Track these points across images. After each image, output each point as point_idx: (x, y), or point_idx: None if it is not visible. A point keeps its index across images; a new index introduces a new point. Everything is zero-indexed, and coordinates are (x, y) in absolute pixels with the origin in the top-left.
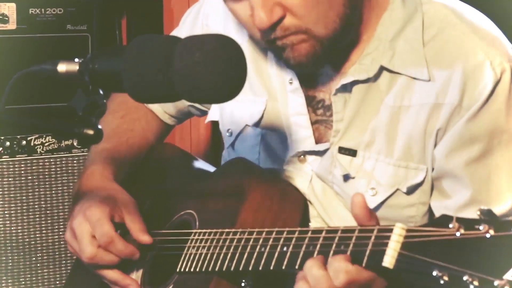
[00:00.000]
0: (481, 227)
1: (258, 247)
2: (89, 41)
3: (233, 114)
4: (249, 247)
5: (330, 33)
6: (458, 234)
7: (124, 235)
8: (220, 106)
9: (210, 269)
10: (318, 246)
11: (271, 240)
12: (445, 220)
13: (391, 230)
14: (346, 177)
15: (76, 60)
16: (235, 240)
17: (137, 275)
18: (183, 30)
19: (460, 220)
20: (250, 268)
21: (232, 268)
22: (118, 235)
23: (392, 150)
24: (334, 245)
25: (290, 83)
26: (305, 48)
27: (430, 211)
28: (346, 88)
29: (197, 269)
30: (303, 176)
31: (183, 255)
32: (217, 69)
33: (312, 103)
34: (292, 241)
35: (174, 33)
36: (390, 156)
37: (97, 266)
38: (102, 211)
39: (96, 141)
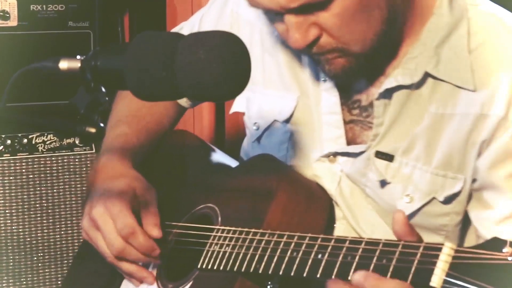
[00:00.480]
0: None
1: (290, 251)
2: (91, 38)
3: (261, 108)
4: (279, 250)
5: (367, 50)
6: (511, 259)
7: None
8: (247, 97)
9: (235, 269)
10: (357, 257)
11: (304, 245)
12: (497, 243)
13: (439, 249)
14: (383, 183)
15: (78, 57)
16: (264, 242)
17: (152, 267)
18: (210, 13)
19: None
20: (280, 273)
21: (260, 271)
22: (140, 228)
23: (431, 158)
24: (375, 258)
25: (324, 81)
26: (340, 63)
27: (463, 221)
28: (387, 92)
29: (221, 268)
30: (331, 177)
31: (205, 252)
32: (221, 66)
33: (348, 102)
34: (328, 249)
35: (201, 13)
36: (428, 163)
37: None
38: (123, 202)
39: (98, 139)
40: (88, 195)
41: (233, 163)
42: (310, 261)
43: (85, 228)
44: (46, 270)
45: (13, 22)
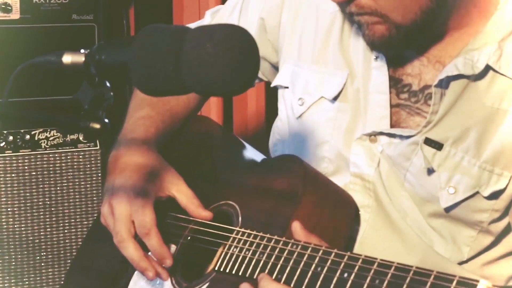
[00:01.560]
0: None
1: (314, 266)
2: (95, 31)
3: (308, 83)
4: (302, 263)
5: (408, 23)
6: None
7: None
8: (293, 71)
9: (255, 276)
10: (386, 282)
11: (330, 262)
12: None
13: (474, 286)
14: (430, 171)
15: (82, 51)
16: (287, 252)
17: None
18: None
19: None
20: (303, 287)
21: (282, 281)
22: (157, 230)
23: (480, 151)
24: (405, 286)
25: (376, 59)
26: (379, 30)
27: (498, 219)
28: (446, 80)
29: (239, 273)
30: (371, 157)
31: (223, 253)
32: (229, 61)
33: (397, 86)
34: (355, 269)
35: None
36: (477, 156)
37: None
38: (148, 195)
39: (102, 135)
40: (110, 176)
41: (258, 157)
42: (335, 279)
43: (104, 214)
44: (49, 270)
45: (15, 15)
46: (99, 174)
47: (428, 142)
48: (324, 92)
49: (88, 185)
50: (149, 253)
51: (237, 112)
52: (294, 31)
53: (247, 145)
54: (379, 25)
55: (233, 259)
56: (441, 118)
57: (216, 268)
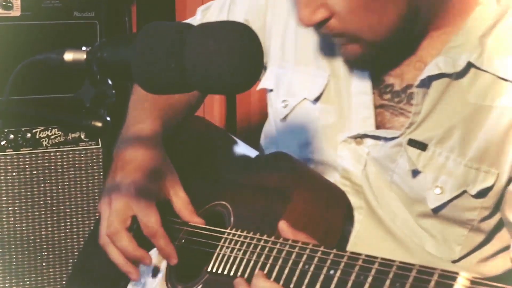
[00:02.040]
0: None
1: (302, 263)
2: (97, 28)
3: (291, 84)
4: (291, 261)
5: (382, 39)
6: None
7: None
8: (277, 74)
9: (246, 275)
10: (370, 278)
11: (317, 259)
12: None
13: (454, 279)
14: (415, 172)
15: (84, 48)
16: (276, 250)
17: (162, 266)
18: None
19: None
20: (291, 286)
21: (272, 279)
22: (163, 230)
23: (466, 150)
24: (388, 281)
25: None
26: (352, 49)
27: (489, 217)
28: (428, 80)
29: (231, 273)
30: (357, 159)
31: (216, 254)
32: (232, 58)
33: (380, 86)
34: (341, 266)
35: None
36: (462, 155)
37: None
38: (151, 195)
39: (104, 133)
40: (114, 172)
41: (251, 154)
42: (322, 276)
43: (101, 205)
44: (51, 270)
45: (16, 12)
46: (101, 173)
47: (412, 143)
48: (307, 94)
49: (89, 184)
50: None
51: (240, 108)
52: (277, 32)
53: (241, 143)
54: (351, 45)
55: (224, 260)
56: (425, 118)
57: (209, 270)
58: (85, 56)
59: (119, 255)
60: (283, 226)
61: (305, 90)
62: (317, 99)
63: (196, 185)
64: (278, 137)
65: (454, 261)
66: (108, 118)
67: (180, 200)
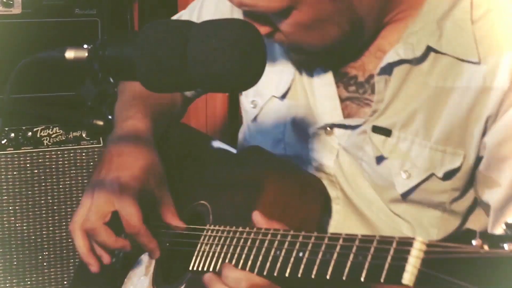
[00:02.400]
0: (505, 246)
1: (273, 250)
2: (98, 26)
3: (259, 84)
4: (263, 249)
5: (324, 50)
6: (482, 252)
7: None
8: None
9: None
10: (336, 254)
11: (287, 243)
12: (468, 235)
13: (411, 244)
14: (380, 159)
15: (85, 46)
16: (249, 241)
17: (148, 269)
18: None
19: (484, 236)
20: (265, 273)
21: (247, 269)
22: (145, 227)
23: (430, 133)
24: (352, 255)
25: None
26: (297, 56)
27: (460, 197)
28: (388, 67)
29: (210, 269)
30: (329, 150)
31: (196, 252)
32: (234, 56)
33: (343, 79)
34: (308, 247)
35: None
36: (427, 138)
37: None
38: (135, 195)
39: (106, 132)
40: (103, 170)
41: (228, 153)
42: (292, 259)
43: (85, 196)
44: (52, 270)
45: (16, 9)
46: None
47: (376, 129)
48: (274, 91)
49: None
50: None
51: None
52: None
53: (221, 144)
54: (296, 52)
55: (204, 257)
56: (388, 105)
57: (191, 268)
58: (86, 54)
59: (83, 245)
60: (256, 217)
61: (273, 87)
62: (284, 95)
63: (178, 188)
64: (251, 138)
65: None
66: (110, 117)
67: (164, 201)
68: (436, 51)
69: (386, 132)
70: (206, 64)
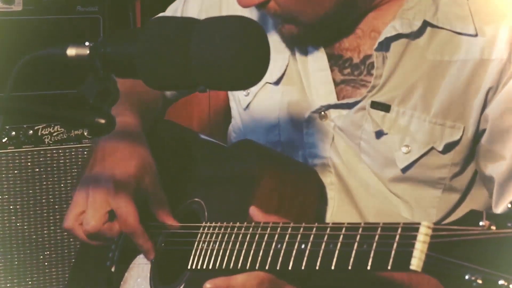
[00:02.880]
0: None
1: (274, 243)
2: (100, 23)
3: None
4: (264, 243)
5: (318, 21)
6: (489, 232)
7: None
8: None
9: (224, 266)
10: (339, 244)
11: (287, 236)
12: (474, 216)
13: (416, 229)
14: (379, 134)
15: (87, 43)
16: (248, 236)
17: (144, 271)
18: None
19: (491, 217)
20: (267, 267)
21: (247, 267)
22: (142, 228)
23: (429, 106)
24: (356, 244)
25: None
26: (290, 30)
27: (460, 173)
28: (386, 42)
29: (210, 267)
30: (324, 134)
31: (193, 251)
32: (238, 54)
33: (339, 62)
34: (311, 238)
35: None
36: (426, 112)
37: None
38: (130, 194)
39: (108, 131)
40: (95, 166)
41: (218, 148)
42: (294, 252)
43: (77, 200)
44: (53, 270)
45: (17, 6)
46: None
47: (375, 105)
48: (268, 77)
49: None
50: None
51: None
52: None
53: (211, 140)
54: (289, 25)
55: (202, 255)
56: (386, 80)
57: (189, 267)
58: (88, 52)
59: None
60: (253, 211)
61: (267, 74)
62: (278, 81)
63: (169, 185)
64: (244, 127)
65: None
66: (112, 115)
67: (157, 200)
68: (433, 26)
69: (385, 107)
70: (208, 61)
